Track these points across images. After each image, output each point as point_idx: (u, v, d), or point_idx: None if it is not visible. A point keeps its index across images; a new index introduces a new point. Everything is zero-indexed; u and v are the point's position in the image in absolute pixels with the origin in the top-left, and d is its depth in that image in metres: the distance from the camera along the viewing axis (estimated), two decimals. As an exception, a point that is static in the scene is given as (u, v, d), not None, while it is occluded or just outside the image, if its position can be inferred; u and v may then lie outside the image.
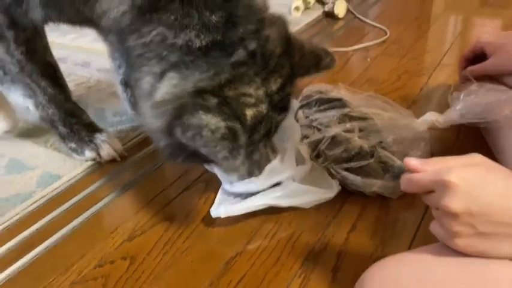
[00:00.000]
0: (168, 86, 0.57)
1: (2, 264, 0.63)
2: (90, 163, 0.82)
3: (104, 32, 0.66)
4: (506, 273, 0.45)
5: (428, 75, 1.10)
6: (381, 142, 0.75)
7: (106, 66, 1.18)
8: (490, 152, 0.75)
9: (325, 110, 0.83)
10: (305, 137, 0.78)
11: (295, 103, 0.88)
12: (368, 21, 1.44)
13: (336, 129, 0.77)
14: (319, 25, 1.45)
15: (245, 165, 0.65)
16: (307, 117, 0.83)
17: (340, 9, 1.48)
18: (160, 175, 0.80)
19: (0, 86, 0.96)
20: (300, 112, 0.84)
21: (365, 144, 0.74)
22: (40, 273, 0.62)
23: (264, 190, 0.68)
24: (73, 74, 1.14)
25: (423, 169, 0.48)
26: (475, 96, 0.73)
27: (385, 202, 0.71)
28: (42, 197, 0.74)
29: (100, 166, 0.82)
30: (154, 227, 0.68)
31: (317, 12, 1.52)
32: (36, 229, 0.69)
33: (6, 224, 0.69)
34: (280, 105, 0.62)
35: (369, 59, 1.19)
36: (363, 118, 0.80)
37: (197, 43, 0.56)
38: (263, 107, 0.59)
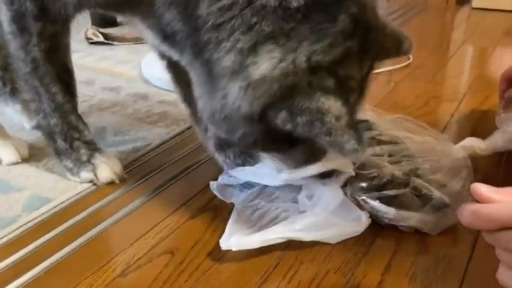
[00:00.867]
0: (271, 61, 0.46)
1: (-27, 301, 0.53)
2: (85, 185, 0.73)
3: (152, 13, 0.53)
4: None
5: (458, 101, 1.01)
6: (416, 169, 0.65)
7: (111, 85, 1.12)
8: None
9: (350, 132, 0.74)
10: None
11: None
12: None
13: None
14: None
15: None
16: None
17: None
18: (163, 201, 0.70)
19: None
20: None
21: (398, 170, 0.64)
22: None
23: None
24: (76, 87, 1.07)
25: (496, 200, 0.38)
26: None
27: (423, 238, 0.61)
28: (27, 223, 0.64)
29: (96, 189, 0.73)
30: (153, 261, 0.58)
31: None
32: (16, 260, 0.59)
33: (-17, 253, 0.60)
34: (362, 94, 0.54)
35: (392, 83, 1.10)
36: (393, 142, 0.71)
37: (294, 2, 0.45)
38: (357, 94, 0.52)
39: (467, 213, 0.40)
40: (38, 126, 0.74)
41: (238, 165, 0.71)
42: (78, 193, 0.71)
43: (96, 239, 0.63)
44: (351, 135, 0.46)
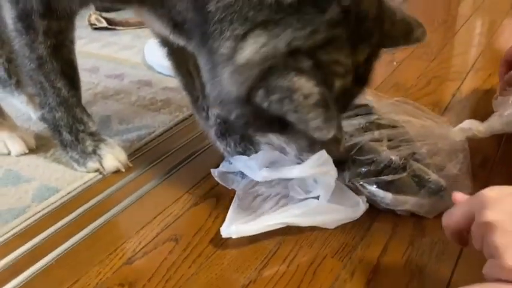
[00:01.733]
0: (255, 46, 0.49)
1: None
2: (91, 175, 0.75)
3: (160, 4, 0.57)
4: None
5: (460, 80, 1.01)
6: (413, 153, 0.66)
7: (115, 72, 1.13)
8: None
9: (349, 117, 0.74)
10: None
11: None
12: (392, 23, 1.35)
13: (362, 139, 0.68)
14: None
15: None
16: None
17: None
18: (167, 188, 0.72)
19: (1, 89, 0.91)
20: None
21: (396, 155, 0.65)
22: (29, 299, 0.55)
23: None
24: (80, 80, 1.09)
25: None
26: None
27: (420, 222, 0.62)
28: (36, 213, 0.67)
29: (102, 178, 0.75)
30: (158, 248, 0.61)
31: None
32: (27, 249, 0.61)
33: (-4, 243, 0.62)
34: (362, 78, 0.55)
35: (395, 63, 1.10)
36: (392, 126, 0.72)
37: None
38: (349, 79, 0.53)
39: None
40: (43, 119, 0.76)
41: (239, 153, 0.72)
42: (85, 182, 0.73)
43: (103, 228, 0.65)
44: (318, 113, 0.47)
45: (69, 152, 0.76)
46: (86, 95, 1.01)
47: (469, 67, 1.08)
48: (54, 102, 0.72)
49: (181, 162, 0.78)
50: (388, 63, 1.11)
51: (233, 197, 0.67)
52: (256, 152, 0.71)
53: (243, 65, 0.50)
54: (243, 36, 0.50)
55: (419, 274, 0.55)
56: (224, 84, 0.52)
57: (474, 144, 0.72)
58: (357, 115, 0.74)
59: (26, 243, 0.62)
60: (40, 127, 0.87)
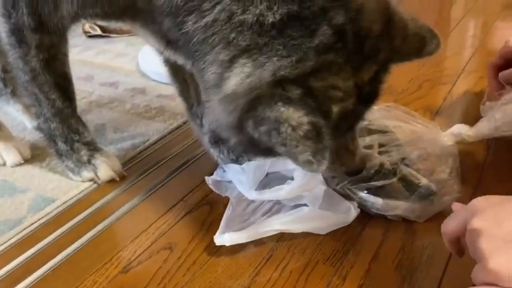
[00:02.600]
0: (240, 76, 0.47)
1: (-15, 300, 0.57)
2: (86, 184, 0.76)
3: (152, 20, 0.55)
4: None
5: (451, 83, 1.02)
6: (404, 158, 0.67)
7: (109, 80, 1.14)
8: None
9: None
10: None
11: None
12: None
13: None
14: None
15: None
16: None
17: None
18: (161, 197, 0.73)
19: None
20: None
21: (386, 161, 0.66)
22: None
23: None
24: (75, 88, 1.09)
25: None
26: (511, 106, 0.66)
27: (411, 226, 0.63)
28: (32, 224, 0.68)
29: (97, 187, 0.76)
30: (153, 257, 0.61)
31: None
32: (24, 260, 0.62)
33: (-8, 254, 0.63)
34: (369, 96, 0.53)
35: (387, 67, 1.11)
36: (383, 131, 0.73)
37: (270, 18, 0.46)
38: (350, 102, 0.50)
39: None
40: (39, 129, 0.77)
41: (232, 160, 0.73)
42: (80, 192, 0.74)
43: (98, 237, 0.66)
44: (307, 147, 0.45)
45: (64, 161, 0.76)
46: (80, 103, 1.02)
47: (460, 70, 1.09)
48: (49, 113, 0.73)
49: (175, 170, 0.79)
50: (380, 67, 1.12)
51: (227, 204, 0.68)
52: (248, 160, 0.72)
53: (229, 95, 0.48)
54: (229, 64, 0.48)
55: (410, 278, 0.56)
56: (216, 111, 0.52)
57: (464, 148, 0.74)
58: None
59: (22, 254, 0.63)
60: (35, 137, 0.87)
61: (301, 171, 0.61)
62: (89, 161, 0.76)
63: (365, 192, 0.64)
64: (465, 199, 0.66)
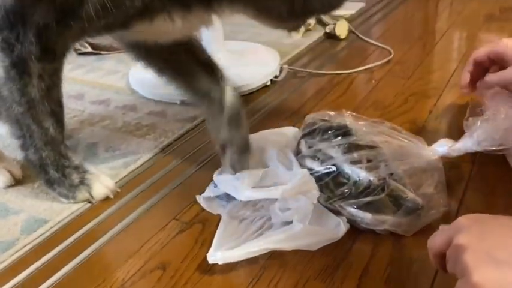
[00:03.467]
0: None
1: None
2: (79, 204, 0.76)
3: None
4: None
5: (437, 97, 1.04)
6: (391, 174, 0.69)
7: (100, 98, 1.15)
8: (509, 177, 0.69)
9: (329, 139, 0.77)
10: (309, 170, 0.72)
11: (297, 132, 0.83)
12: (371, 41, 1.40)
13: (341, 160, 0.71)
14: (320, 47, 1.40)
15: None
16: (310, 147, 0.77)
17: (341, 30, 1.43)
18: (154, 216, 0.74)
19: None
20: (303, 142, 0.79)
21: (375, 176, 0.68)
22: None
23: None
24: (66, 107, 1.09)
25: None
26: (493, 122, 0.67)
27: (399, 240, 0.64)
28: (25, 245, 0.68)
29: (89, 207, 0.76)
30: (146, 277, 0.62)
31: (318, 33, 1.47)
32: (17, 283, 0.62)
33: (-15, 277, 0.63)
34: None
35: (373, 81, 1.13)
36: (370, 147, 0.74)
37: None
38: None
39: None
40: (27, 160, 0.75)
41: (233, 160, 0.75)
42: (72, 213, 0.75)
43: (91, 258, 0.66)
44: None
45: (56, 189, 0.76)
46: (72, 122, 1.04)
47: (444, 83, 1.11)
48: (41, 142, 0.72)
49: (167, 188, 0.80)
50: (367, 82, 1.14)
51: (219, 221, 0.69)
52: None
53: None
54: None
55: (399, 292, 0.57)
56: None
57: (449, 161, 0.75)
58: (336, 136, 0.77)
59: (16, 276, 0.63)
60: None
61: (296, 177, 0.63)
62: (82, 182, 0.76)
63: (354, 207, 0.65)
64: (451, 212, 0.68)
